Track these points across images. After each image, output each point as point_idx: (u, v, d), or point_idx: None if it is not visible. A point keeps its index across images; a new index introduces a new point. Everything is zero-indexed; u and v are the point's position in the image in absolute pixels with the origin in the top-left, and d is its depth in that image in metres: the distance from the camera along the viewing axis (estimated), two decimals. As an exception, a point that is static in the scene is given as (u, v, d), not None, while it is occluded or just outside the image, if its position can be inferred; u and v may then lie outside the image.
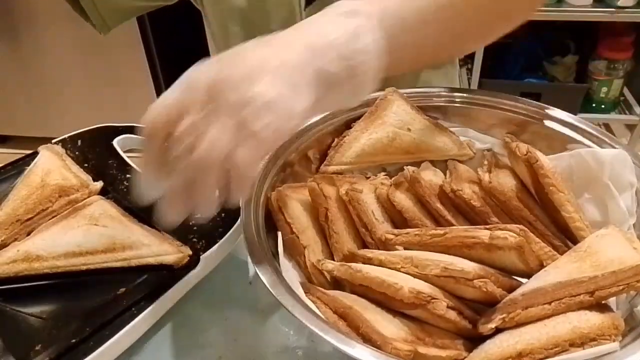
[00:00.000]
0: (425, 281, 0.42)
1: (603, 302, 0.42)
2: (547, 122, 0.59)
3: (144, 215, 0.58)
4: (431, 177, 0.55)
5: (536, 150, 0.53)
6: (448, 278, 0.41)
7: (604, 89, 2.02)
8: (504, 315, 0.41)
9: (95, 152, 0.70)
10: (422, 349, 0.40)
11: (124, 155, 0.69)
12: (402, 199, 0.52)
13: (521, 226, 0.42)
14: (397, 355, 0.38)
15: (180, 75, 0.40)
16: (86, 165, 0.67)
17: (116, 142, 0.71)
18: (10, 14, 1.84)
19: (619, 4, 1.75)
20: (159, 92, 1.94)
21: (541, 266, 0.44)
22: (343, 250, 0.50)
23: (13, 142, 2.21)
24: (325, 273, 0.48)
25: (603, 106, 2.06)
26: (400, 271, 0.43)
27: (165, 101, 0.39)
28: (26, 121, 2.09)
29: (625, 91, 2.09)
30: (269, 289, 0.42)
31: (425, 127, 0.60)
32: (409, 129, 0.59)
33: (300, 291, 0.44)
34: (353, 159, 0.59)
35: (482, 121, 0.62)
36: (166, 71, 1.96)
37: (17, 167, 0.67)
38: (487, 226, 0.43)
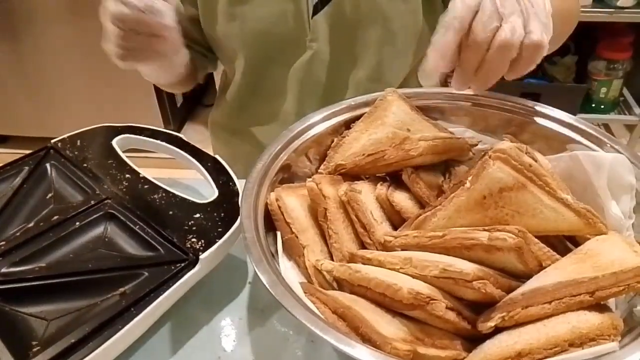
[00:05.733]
0: (424, 282, 0.42)
1: (602, 302, 0.42)
2: (547, 122, 0.59)
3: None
4: (431, 177, 0.55)
5: (535, 151, 0.53)
6: (447, 279, 0.41)
7: (604, 89, 2.02)
8: (503, 314, 0.41)
9: (95, 152, 0.70)
10: (422, 349, 0.40)
11: (123, 156, 0.69)
12: (401, 200, 0.52)
13: (520, 227, 0.42)
14: (396, 355, 0.38)
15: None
16: (86, 165, 0.67)
17: (116, 142, 0.71)
18: (10, 14, 1.84)
19: (619, 4, 1.75)
20: (158, 92, 1.95)
21: (540, 267, 0.44)
22: (342, 251, 0.50)
23: (13, 142, 2.21)
24: (325, 273, 0.48)
25: (602, 106, 2.07)
26: (400, 272, 0.43)
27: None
28: (26, 121, 2.09)
29: (625, 91, 2.09)
30: (269, 289, 0.42)
31: (425, 127, 0.60)
32: (408, 130, 0.59)
33: (299, 291, 0.44)
34: (353, 159, 0.59)
35: (482, 121, 0.63)
36: (166, 71, 1.96)
37: (17, 167, 0.67)
38: (486, 227, 0.43)
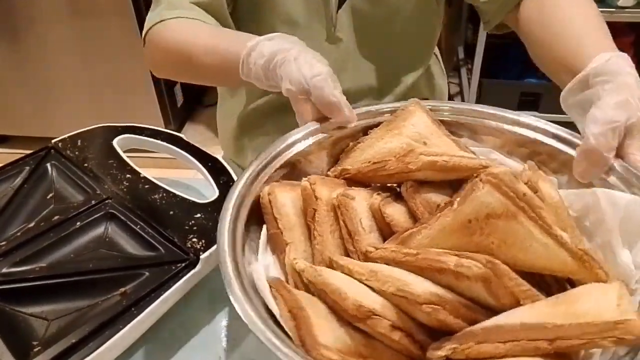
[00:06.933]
0: (384, 297, 0.41)
1: (563, 353, 0.38)
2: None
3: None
4: (432, 194, 0.52)
5: (551, 181, 0.50)
6: (402, 298, 0.39)
7: (604, 89, 2.02)
8: (455, 345, 0.38)
9: (95, 152, 0.70)
10: None
11: (123, 155, 0.69)
12: (394, 212, 0.50)
13: (490, 257, 0.39)
14: None
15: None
16: (86, 165, 0.67)
17: (116, 142, 0.71)
18: (11, 14, 1.84)
19: (619, 4, 1.75)
20: (159, 93, 1.95)
21: (517, 304, 0.40)
22: (323, 254, 0.48)
23: (13, 142, 2.21)
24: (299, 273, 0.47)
25: (603, 106, 2.06)
26: (364, 283, 0.42)
27: None
28: (26, 121, 2.10)
29: (625, 91, 2.09)
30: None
31: (443, 143, 0.57)
32: (424, 143, 0.56)
33: (266, 288, 0.44)
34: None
35: (512, 144, 0.59)
36: (166, 71, 1.96)
37: (18, 167, 0.67)
38: (457, 253, 0.41)
